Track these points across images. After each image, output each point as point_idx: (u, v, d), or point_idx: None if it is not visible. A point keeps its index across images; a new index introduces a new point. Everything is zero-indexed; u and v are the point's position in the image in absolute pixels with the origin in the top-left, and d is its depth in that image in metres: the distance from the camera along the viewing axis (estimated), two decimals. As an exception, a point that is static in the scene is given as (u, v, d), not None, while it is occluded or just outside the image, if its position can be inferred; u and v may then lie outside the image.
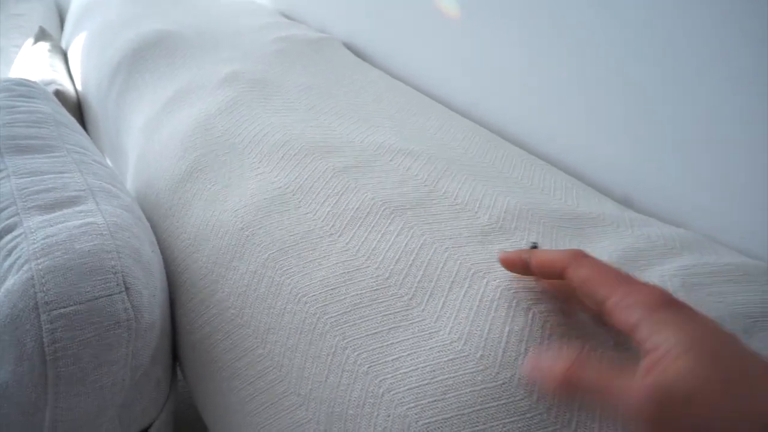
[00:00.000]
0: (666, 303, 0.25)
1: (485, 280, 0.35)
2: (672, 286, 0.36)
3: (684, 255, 0.40)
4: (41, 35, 1.14)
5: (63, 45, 1.19)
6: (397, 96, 0.69)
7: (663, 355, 0.22)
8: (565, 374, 0.26)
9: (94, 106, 0.91)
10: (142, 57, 0.80)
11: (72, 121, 0.60)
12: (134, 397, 0.43)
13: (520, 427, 0.29)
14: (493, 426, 0.29)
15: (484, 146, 0.57)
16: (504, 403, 0.30)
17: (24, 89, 0.60)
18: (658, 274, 0.37)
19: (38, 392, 0.35)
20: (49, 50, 1.08)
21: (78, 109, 0.98)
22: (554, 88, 0.59)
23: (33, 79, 0.75)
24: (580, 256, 0.29)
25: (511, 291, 0.34)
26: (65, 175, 0.47)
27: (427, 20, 0.75)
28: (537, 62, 0.60)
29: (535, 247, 0.34)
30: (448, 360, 0.32)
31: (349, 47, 0.91)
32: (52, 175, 0.46)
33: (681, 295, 0.36)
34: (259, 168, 0.51)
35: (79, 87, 1.00)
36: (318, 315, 0.37)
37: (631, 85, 0.51)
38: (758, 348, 0.35)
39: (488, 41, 0.66)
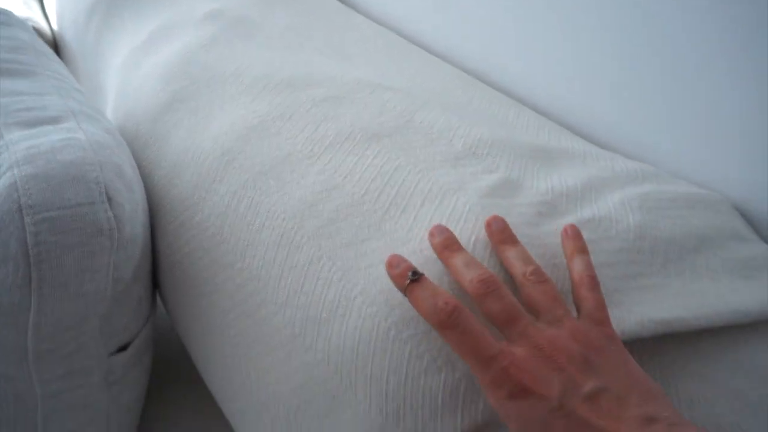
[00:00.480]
0: (512, 395, 0.28)
1: (455, 197, 0.37)
2: (631, 209, 0.39)
3: (645, 184, 0.42)
4: (15, -26, 1.11)
5: (38, -15, 1.16)
6: (379, 39, 0.69)
7: None
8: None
9: (71, 45, 0.89)
10: (122, -6, 0.79)
11: (50, 51, 0.60)
12: (116, 311, 0.44)
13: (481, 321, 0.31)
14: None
15: (462, 86, 0.58)
16: (468, 302, 0.32)
17: (2, 17, 0.59)
18: (619, 199, 0.40)
19: (22, 293, 0.36)
20: (24, -11, 1.05)
21: (54, 48, 0.96)
22: (539, 33, 0.60)
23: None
24: (445, 327, 0.29)
25: (479, 207, 0.36)
26: (45, 97, 0.47)
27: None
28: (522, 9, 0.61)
29: (415, 275, 0.31)
30: (417, 264, 0.33)
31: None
32: (32, 96, 0.46)
33: (638, 217, 0.38)
34: (239, 99, 0.52)
35: (54, 26, 0.98)
36: (295, 229, 0.39)
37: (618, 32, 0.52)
38: (703, 264, 0.37)
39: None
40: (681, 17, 0.46)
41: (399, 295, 0.33)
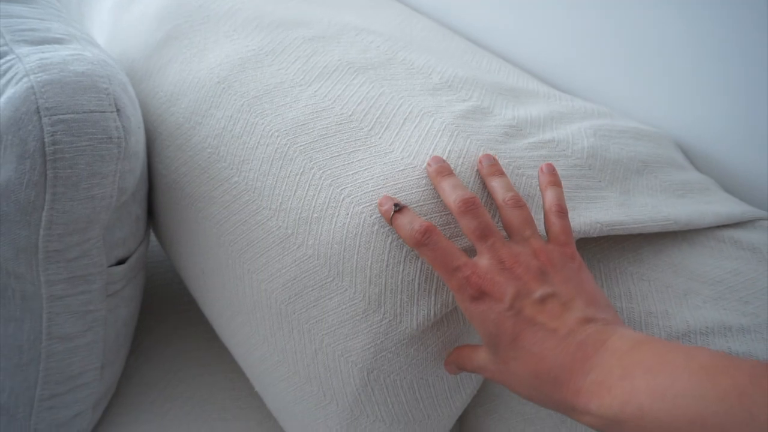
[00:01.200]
0: (472, 298, 0.33)
1: (432, 118, 0.42)
2: (585, 135, 0.44)
3: (599, 119, 0.48)
4: None
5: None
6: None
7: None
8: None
9: (57, -9, 0.90)
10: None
11: (44, -15, 0.62)
12: (117, 225, 0.48)
13: (452, 218, 0.36)
14: (431, 217, 0.37)
15: (443, 36, 0.62)
16: (441, 201, 0.37)
17: (-5, -52, 0.60)
18: (576, 127, 0.45)
19: (37, 191, 0.39)
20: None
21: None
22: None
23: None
24: (420, 245, 0.34)
25: (453, 126, 0.41)
26: (47, 21, 0.49)
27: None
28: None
29: (398, 207, 0.36)
30: (398, 170, 0.38)
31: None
32: (36, 20, 0.49)
33: (591, 141, 0.44)
34: (233, 35, 0.55)
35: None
36: (288, 145, 0.43)
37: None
38: (644, 183, 0.43)
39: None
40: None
41: (382, 194, 0.38)
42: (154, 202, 0.55)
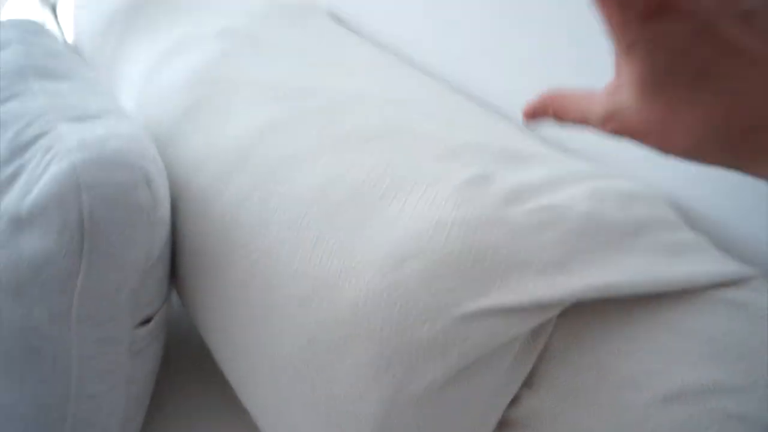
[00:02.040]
0: (641, 16, 0.22)
1: (439, 187, 0.45)
2: (582, 199, 0.47)
3: (595, 180, 0.51)
4: (29, -12, 1.18)
5: (50, -1, 1.23)
6: (371, 56, 0.78)
7: (621, 79, 0.25)
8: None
9: (87, 55, 0.96)
10: (138, 11, 0.87)
11: (79, 58, 0.67)
12: (143, 287, 0.51)
13: (457, 284, 0.39)
14: (437, 284, 0.39)
15: (449, 98, 0.66)
16: (446, 268, 0.40)
17: (36, 27, 0.66)
18: (572, 191, 0.48)
19: (74, 260, 0.43)
20: (39, 1, 1.12)
21: (69, 59, 1.03)
22: (516, 52, 0.69)
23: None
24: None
25: (457, 194, 0.44)
26: (85, 97, 0.54)
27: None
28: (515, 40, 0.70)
29: None
30: (406, 239, 0.41)
31: (332, 15, 1.00)
32: (74, 97, 0.53)
33: (587, 205, 0.46)
34: (252, 105, 0.59)
35: (69, 39, 1.05)
36: (304, 213, 0.46)
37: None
38: (638, 245, 0.45)
39: (457, 14, 0.75)
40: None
41: (390, 262, 0.41)
42: (177, 262, 0.58)
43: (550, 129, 0.65)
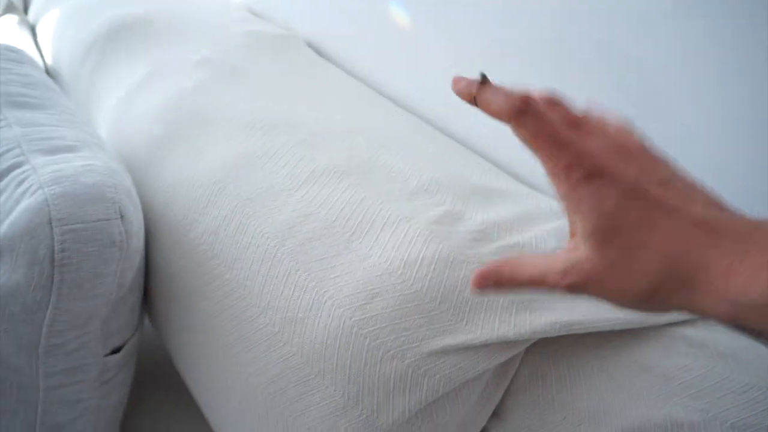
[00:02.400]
0: (589, 175, 0.27)
1: (409, 224, 0.46)
2: (548, 237, 0.48)
3: (562, 219, 0.52)
4: (9, 8, 1.18)
5: (30, 19, 1.23)
6: (349, 88, 0.80)
7: (577, 239, 0.28)
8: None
9: (65, 82, 0.96)
10: (117, 38, 0.87)
11: (57, 87, 0.67)
12: (114, 316, 0.51)
13: (425, 321, 0.40)
14: (405, 321, 0.40)
15: (419, 132, 0.68)
16: (415, 305, 0.41)
17: (14, 54, 0.66)
18: (540, 230, 0.49)
19: (44, 293, 0.42)
20: (18, 23, 1.12)
21: (47, 81, 1.03)
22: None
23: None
24: (521, 113, 0.28)
25: (427, 231, 0.45)
26: (60, 128, 0.54)
27: (380, 28, 0.86)
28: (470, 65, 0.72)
29: (484, 79, 0.30)
30: (375, 276, 0.42)
31: (311, 46, 1.01)
32: (49, 127, 0.54)
33: (553, 244, 0.48)
34: (229, 137, 0.60)
35: (49, 61, 1.05)
36: (277, 247, 0.47)
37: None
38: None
39: (431, 48, 0.78)
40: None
41: (361, 298, 0.41)
42: (150, 291, 0.58)
43: (522, 166, 0.67)
